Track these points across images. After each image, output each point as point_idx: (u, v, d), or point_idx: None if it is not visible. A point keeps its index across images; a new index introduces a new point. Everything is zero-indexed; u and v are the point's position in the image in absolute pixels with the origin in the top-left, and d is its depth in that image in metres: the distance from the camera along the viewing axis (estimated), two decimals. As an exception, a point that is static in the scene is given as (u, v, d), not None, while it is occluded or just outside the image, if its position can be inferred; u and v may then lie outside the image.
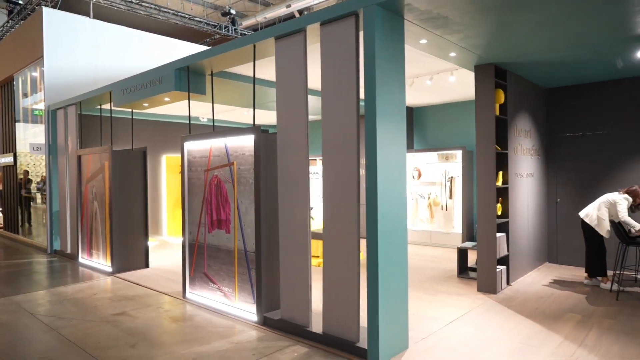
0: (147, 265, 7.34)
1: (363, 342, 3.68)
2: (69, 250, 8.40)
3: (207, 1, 17.36)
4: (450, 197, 8.94)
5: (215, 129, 5.41)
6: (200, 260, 5.30)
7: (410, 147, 9.74)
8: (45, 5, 9.72)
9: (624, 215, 5.30)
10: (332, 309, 3.89)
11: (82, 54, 9.18)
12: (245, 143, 4.67)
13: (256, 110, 6.49)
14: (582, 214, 5.74)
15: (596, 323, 4.40)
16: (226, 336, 4.25)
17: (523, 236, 6.30)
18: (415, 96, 8.35)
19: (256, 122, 6.19)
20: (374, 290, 3.54)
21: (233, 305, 4.86)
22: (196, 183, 5.34)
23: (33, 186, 10.35)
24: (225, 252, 4.95)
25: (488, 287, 5.53)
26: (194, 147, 5.36)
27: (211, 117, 10.60)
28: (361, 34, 3.68)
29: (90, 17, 9.85)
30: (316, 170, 11.69)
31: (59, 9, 9.91)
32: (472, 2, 3.58)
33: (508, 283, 5.83)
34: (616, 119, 6.50)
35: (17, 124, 10.74)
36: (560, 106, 7.04)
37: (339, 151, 3.80)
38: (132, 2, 10.74)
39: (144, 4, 10.91)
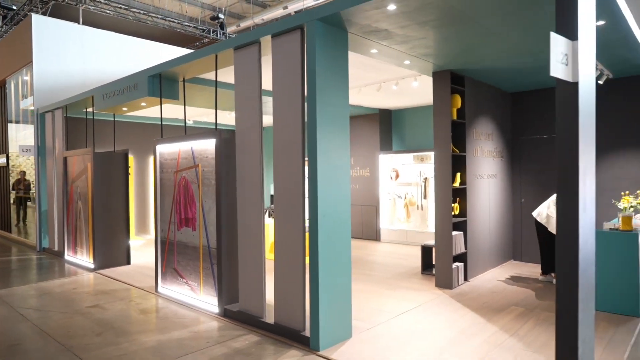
0: (128, 262, 7.66)
1: (307, 331, 3.98)
2: (56, 248, 8.73)
3: (205, 3, 17.68)
4: (425, 197, 9.23)
5: (187, 132, 5.72)
6: (171, 257, 5.62)
7: (389, 148, 10.04)
8: (36, 12, 10.05)
9: None
10: (282, 301, 4.20)
11: (71, 59, 9.51)
12: (208, 146, 4.98)
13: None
14: (534, 213, 6.03)
15: (535, 315, 4.69)
16: (187, 326, 4.56)
17: (483, 235, 6.59)
18: (389, 100, 8.64)
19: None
20: (315, 284, 3.84)
21: (198, 298, 5.17)
22: (167, 184, 5.66)
23: (32, 186, 10.70)
24: (192, 248, 5.27)
25: (445, 282, 5.82)
26: (165, 149, 5.68)
27: (200, 120, 10.99)
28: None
29: (79, 23, 10.20)
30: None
31: (49, 15, 10.25)
32: (406, 18, 3.87)
33: (466, 279, 6.12)
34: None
35: (9, 125, 11.10)
36: (525, 110, 7.32)
37: (287, 155, 4.10)
38: (120, 7, 11.08)
39: (132, 9, 11.25)
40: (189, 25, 13.07)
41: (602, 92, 6.49)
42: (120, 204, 7.56)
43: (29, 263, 8.10)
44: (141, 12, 11.55)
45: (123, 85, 6.39)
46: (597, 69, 5.56)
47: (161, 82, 5.86)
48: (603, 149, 6.59)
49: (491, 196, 6.82)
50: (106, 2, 10.70)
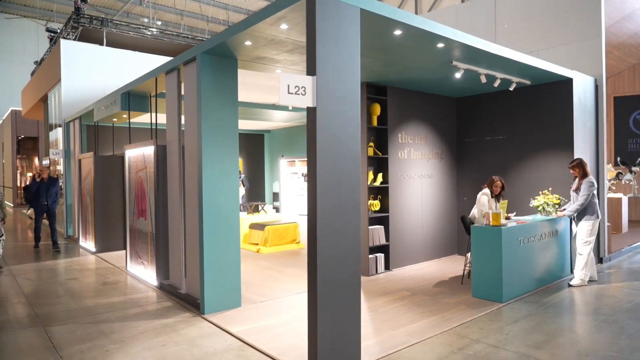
0: (124, 247, 9.09)
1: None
2: (76, 236, 10.45)
3: (230, 5, 19.22)
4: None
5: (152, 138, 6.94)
6: (134, 241, 6.88)
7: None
8: (72, 35, 11.89)
9: (483, 209, 6.06)
10: (190, 276, 5.26)
11: (93, 76, 11.23)
12: (152, 152, 6.16)
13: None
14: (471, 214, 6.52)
15: (411, 299, 5.37)
16: (127, 294, 5.77)
17: (412, 229, 7.20)
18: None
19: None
20: (201, 263, 4.87)
21: (147, 274, 6.38)
22: (132, 181, 6.93)
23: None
24: (144, 234, 6.49)
25: (363, 270, 6.58)
26: (132, 153, 6.95)
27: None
28: (203, 72, 5.01)
29: (103, 44, 11.94)
30: (295, 170, 13.02)
31: (79, 38, 12.09)
32: (280, 45, 4.76)
33: (388, 268, 6.82)
34: (510, 125, 7.22)
35: (50, 132, 13.17)
36: (469, 113, 7.82)
37: (191, 161, 5.15)
38: (139, 28, 12.74)
39: (150, 29, 12.89)
40: (203, 39, 14.53)
41: (526, 97, 6.92)
42: (118, 199, 9.02)
43: (48, 247, 9.83)
44: (158, 30, 13.15)
45: (108, 101, 7.79)
46: (497, 78, 6.08)
47: (129, 98, 7.15)
48: (532, 151, 7.00)
49: (425, 194, 7.42)
50: (126, 24, 12.38)
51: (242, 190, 12.04)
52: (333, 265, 3.35)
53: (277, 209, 13.61)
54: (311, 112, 3.30)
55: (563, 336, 4.11)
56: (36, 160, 22.09)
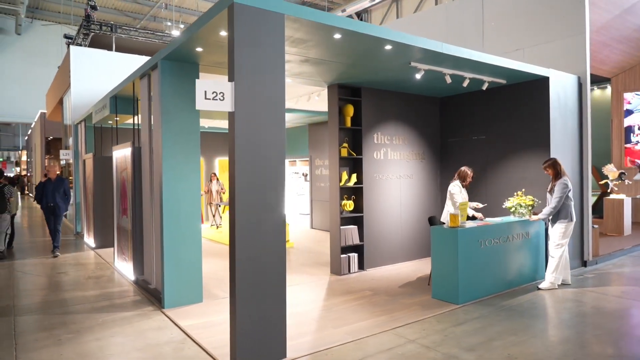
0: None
1: (165, 294, 5.25)
2: (83, 232, 10.99)
3: None
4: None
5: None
6: (119, 238, 7.22)
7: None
8: (80, 44, 12.50)
9: (456, 202, 6.03)
10: (158, 272, 5.51)
11: (101, 80, 11.74)
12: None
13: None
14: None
15: (370, 298, 5.41)
16: (105, 288, 6.08)
17: (388, 229, 7.21)
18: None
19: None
20: (161, 257, 5.10)
21: (128, 270, 6.69)
22: (118, 181, 7.27)
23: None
24: (126, 231, 6.80)
25: (336, 269, 6.67)
26: (118, 154, 7.29)
27: (213, 125, 12.69)
28: (166, 77, 5.23)
29: (113, 50, 12.48)
30: (296, 170, 13.19)
31: (91, 44, 12.68)
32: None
33: (362, 268, 6.87)
34: (494, 124, 7.12)
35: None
36: (453, 113, 7.76)
37: (158, 161, 5.39)
38: (147, 33, 13.23)
39: (157, 33, 13.36)
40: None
41: (507, 96, 6.80)
42: (113, 198, 9.42)
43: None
44: (167, 35, 13.62)
45: (101, 105, 8.18)
46: (465, 78, 6.03)
47: (117, 102, 7.50)
48: (512, 151, 6.88)
49: (404, 195, 7.41)
50: (135, 29, 12.88)
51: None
52: (253, 263, 3.48)
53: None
54: (230, 116, 3.44)
55: (502, 339, 4.08)
56: (46, 161, 23.18)
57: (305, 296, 5.54)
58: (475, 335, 4.16)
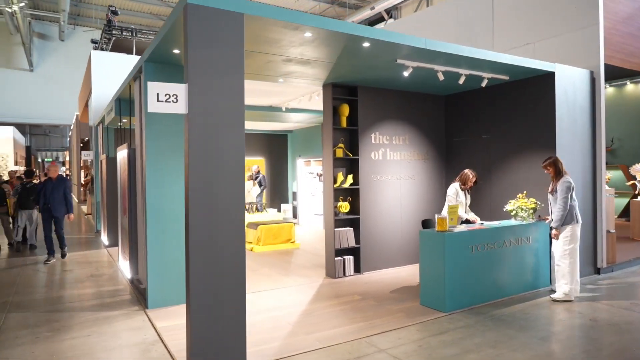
0: (134, 243, 9.78)
1: (150, 294, 5.30)
2: (101, 230, 11.38)
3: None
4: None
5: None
6: (122, 236, 7.39)
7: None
8: (101, 49, 12.93)
9: (449, 203, 5.81)
10: (143, 272, 5.58)
11: (119, 83, 12.10)
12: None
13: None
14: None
15: (356, 303, 5.26)
16: (101, 287, 6.23)
17: (387, 232, 6.99)
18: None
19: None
20: (146, 257, 5.15)
21: (127, 269, 6.83)
22: (121, 181, 7.44)
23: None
24: (126, 230, 6.94)
25: (330, 272, 6.54)
26: (121, 155, 7.46)
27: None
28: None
29: (134, 54, 12.83)
30: (310, 170, 13.13)
31: (111, 48, 13.09)
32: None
33: (358, 271, 6.71)
34: (504, 123, 6.78)
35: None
36: (459, 111, 7.45)
37: (140, 162, 5.46)
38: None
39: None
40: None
41: (514, 93, 6.45)
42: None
43: (79, 240, 10.80)
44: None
45: (109, 107, 8.40)
46: (461, 75, 5.76)
47: (120, 104, 7.67)
48: (516, 151, 6.54)
49: (405, 197, 7.17)
50: (155, 32, 13.18)
51: (256, 190, 12.37)
52: (209, 269, 3.43)
53: (294, 208, 13.80)
54: (185, 119, 3.40)
55: (479, 352, 3.84)
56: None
57: (291, 299, 5.45)
58: (452, 347, 3.94)
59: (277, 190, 14.84)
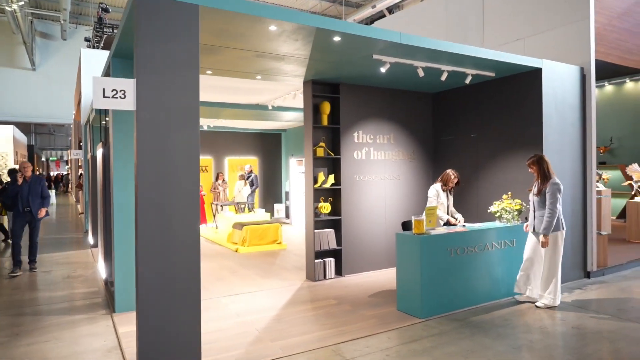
0: (120, 243, 9.64)
1: (119, 298, 5.14)
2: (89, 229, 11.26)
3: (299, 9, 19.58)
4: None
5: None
6: (100, 236, 7.24)
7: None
8: (93, 47, 12.81)
9: (429, 205, 5.61)
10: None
11: (110, 80, 12.00)
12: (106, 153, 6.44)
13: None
14: None
15: (330, 308, 5.07)
16: (75, 289, 6.08)
17: (370, 234, 6.78)
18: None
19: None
20: (112, 263, 4.99)
21: (103, 270, 6.68)
22: (99, 180, 7.29)
23: None
24: (107, 230, 6.80)
25: (310, 275, 6.35)
26: (99, 154, 7.31)
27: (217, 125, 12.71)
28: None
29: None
30: (302, 169, 12.92)
31: (102, 46, 12.97)
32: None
33: (339, 274, 6.51)
34: (493, 120, 6.57)
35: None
36: (447, 109, 7.24)
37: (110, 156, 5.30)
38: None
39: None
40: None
41: (505, 89, 6.23)
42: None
43: (67, 240, 10.68)
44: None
45: (91, 105, 8.25)
46: (443, 71, 5.56)
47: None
48: (505, 149, 6.32)
49: (389, 197, 6.97)
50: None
51: (247, 190, 12.19)
52: (160, 277, 3.26)
53: (287, 208, 13.62)
54: (134, 116, 3.22)
55: (449, 362, 3.64)
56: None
57: (264, 303, 5.27)
58: (421, 356, 3.75)
59: (271, 190, 14.68)
